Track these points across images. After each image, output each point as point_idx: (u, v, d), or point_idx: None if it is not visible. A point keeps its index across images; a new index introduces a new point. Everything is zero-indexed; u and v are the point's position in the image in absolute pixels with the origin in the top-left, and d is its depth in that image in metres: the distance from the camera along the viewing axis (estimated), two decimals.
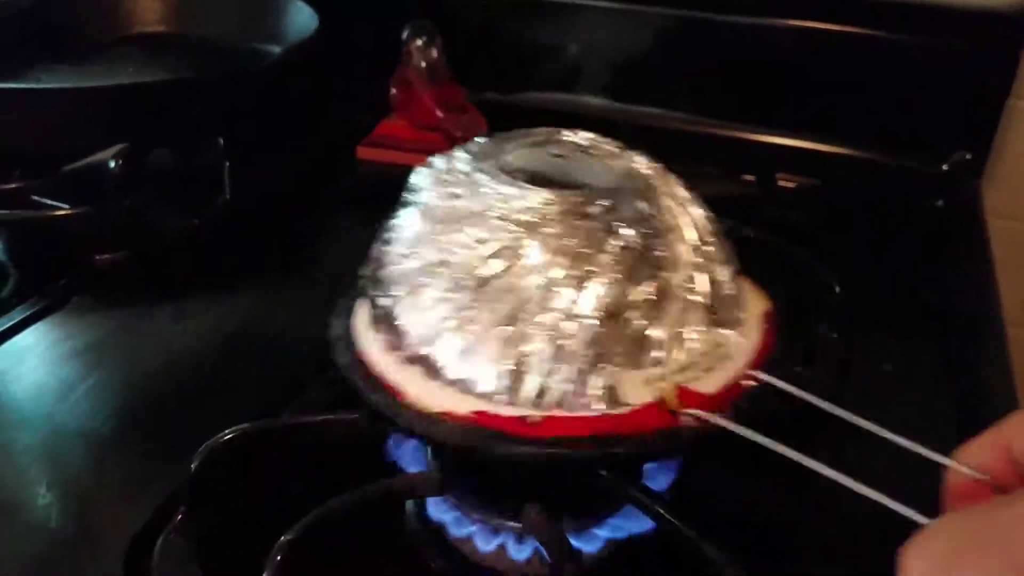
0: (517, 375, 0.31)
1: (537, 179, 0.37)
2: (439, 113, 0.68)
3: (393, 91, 0.70)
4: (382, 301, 0.35)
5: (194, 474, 0.34)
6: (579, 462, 0.31)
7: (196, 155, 0.62)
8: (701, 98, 0.71)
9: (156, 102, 0.59)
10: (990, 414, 0.43)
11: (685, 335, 0.33)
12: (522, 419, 0.31)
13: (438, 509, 0.34)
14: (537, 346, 0.31)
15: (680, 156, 0.67)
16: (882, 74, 0.65)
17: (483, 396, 0.32)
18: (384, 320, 0.35)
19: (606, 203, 0.34)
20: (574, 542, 0.33)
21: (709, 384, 0.33)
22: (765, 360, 0.35)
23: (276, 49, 0.73)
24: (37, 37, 0.74)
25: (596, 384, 0.32)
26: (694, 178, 0.64)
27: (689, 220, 0.37)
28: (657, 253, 0.34)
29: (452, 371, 0.32)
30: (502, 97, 0.74)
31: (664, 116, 0.71)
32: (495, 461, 0.31)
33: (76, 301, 0.50)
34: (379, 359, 0.34)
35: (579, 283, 0.32)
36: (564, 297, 0.32)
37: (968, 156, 0.65)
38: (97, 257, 0.53)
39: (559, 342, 0.31)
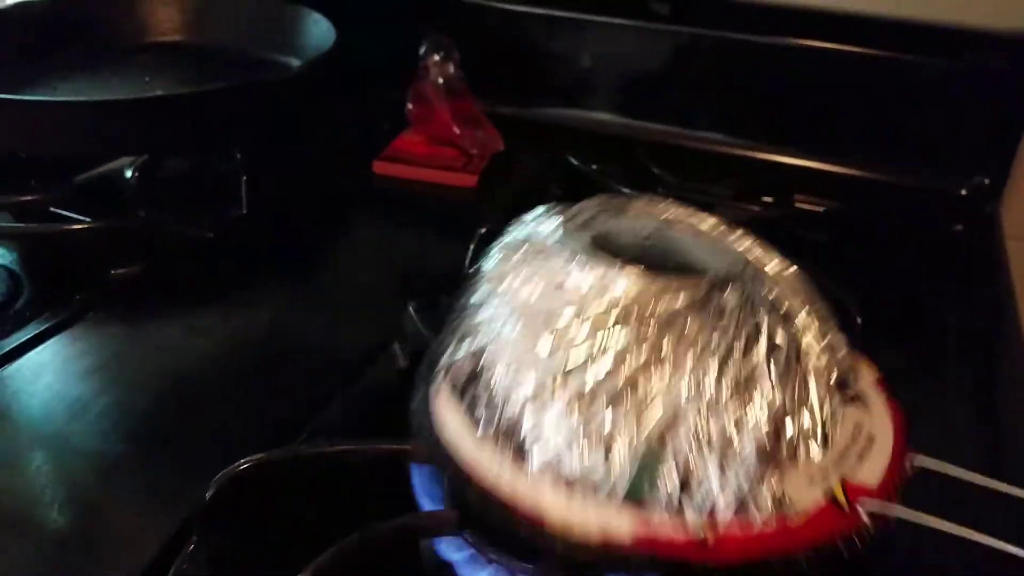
0: (683, 486, 0.29)
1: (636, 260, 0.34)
2: (455, 128, 0.68)
3: (409, 106, 0.70)
4: (489, 413, 0.32)
5: (208, 503, 0.33)
6: None
7: (212, 167, 0.62)
8: (718, 117, 0.70)
9: (173, 114, 0.58)
10: (1012, 439, 0.43)
11: (831, 421, 0.32)
12: (699, 541, 0.28)
13: (451, 548, 0.34)
14: (704, 459, 0.29)
15: (697, 176, 0.68)
16: (901, 96, 0.65)
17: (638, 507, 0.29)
18: (500, 434, 0.32)
19: (739, 292, 0.32)
20: None
21: (869, 473, 0.31)
22: (908, 434, 0.34)
23: (293, 61, 0.73)
24: (52, 45, 0.73)
25: (765, 494, 0.29)
26: (711, 198, 0.65)
27: (800, 295, 0.35)
28: (793, 341, 0.32)
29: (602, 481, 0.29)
30: (518, 112, 0.74)
31: (681, 135, 0.71)
32: None
33: (91, 316, 0.49)
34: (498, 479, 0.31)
35: (740, 390, 0.30)
36: (728, 406, 0.30)
37: (987, 180, 0.64)
38: (113, 271, 0.53)
39: (728, 452, 0.29)
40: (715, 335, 0.31)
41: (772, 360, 0.31)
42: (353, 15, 0.71)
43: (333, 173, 0.69)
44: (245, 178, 0.59)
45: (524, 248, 0.35)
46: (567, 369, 0.31)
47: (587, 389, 0.30)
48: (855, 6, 0.63)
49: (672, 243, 0.38)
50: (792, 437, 0.30)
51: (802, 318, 0.33)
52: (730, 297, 0.32)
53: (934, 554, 0.34)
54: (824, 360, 0.32)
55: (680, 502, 0.29)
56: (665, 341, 0.30)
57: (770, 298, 0.33)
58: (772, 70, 0.67)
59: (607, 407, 0.30)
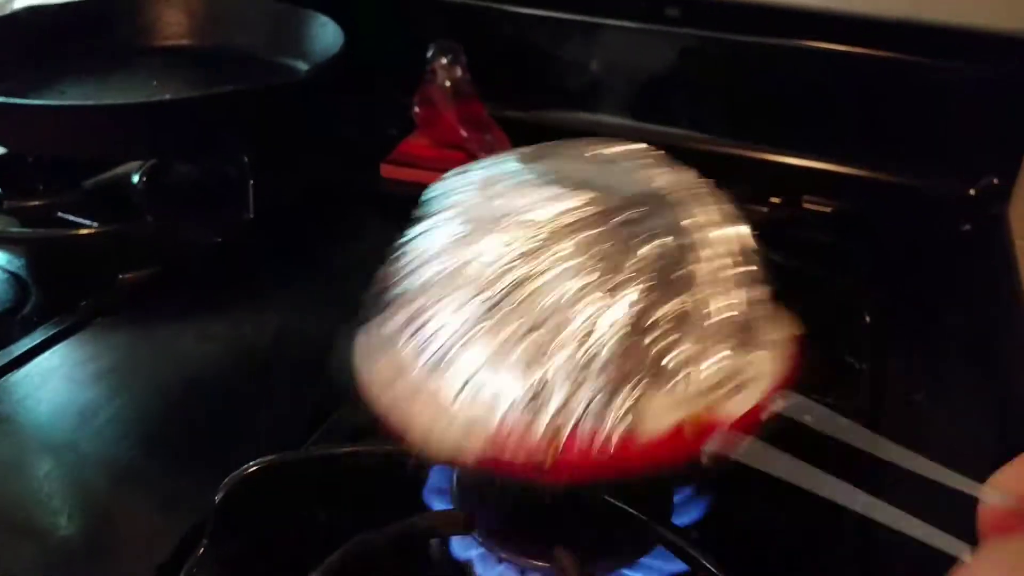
0: (542, 388, 0.29)
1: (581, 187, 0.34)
2: (463, 132, 0.68)
3: (417, 109, 0.70)
4: (389, 321, 0.33)
5: (218, 506, 0.33)
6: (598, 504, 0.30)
7: (220, 171, 0.63)
8: (726, 119, 0.70)
9: (181, 119, 0.58)
10: (1020, 439, 0.43)
11: (711, 354, 0.31)
12: (537, 464, 0.29)
13: (463, 547, 0.34)
14: (565, 355, 0.29)
15: (705, 177, 0.67)
16: (909, 97, 0.65)
17: (500, 412, 0.29)
18: (389, 343, 0.32)
19: (643, 209, 0.32)
20: None
21: (734, 407, 0.31)
22: (791, 383, 0.33)
23: (300, 64, 0.73)
24: (61, 49, 0.74)
25: (620, 404, 0.29)
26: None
27: (726, 237, 0.35)
28: (690, 267, 0.32)
29: (469, 389, 0.30)
30: (525, 115, 0.74)
31: (688, 137, 0.71)
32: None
33: (99, 321, 0.49)
34: (382, 392, 0.32)
35: (611, 291, 0.30)
36: (595, 304, 0.29)
37: (995, 180, 0.64)
38: (120, 276, 0.53)
39: (588, 351, 0.29)
40: (609, 244, 0.30)
41: (654, 271, 0.30)
42: (360, 18, 0.71)
43: (340, 176, 0.69)
44: (252, 182, 0.59)
45: (463, 182, 0.36)
46: (466, 266, 0.31)
47: (483, 289, 0.30)
48: (863, 8, 0.62)
49: (612, 174, 0.37)
50: (660, 354, 0.30)
51: (715, 252, 0.33)
52: (635, 212, 0.32)
53: None
54: (719, 292, 0.32)
55: (540, 400, 0.29)
56: (562, 244, 0.30)
57: (685, 224, 0.33)
58: (780, 72, 0.67)
59: (493, 307, 0.30)
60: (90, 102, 0.64)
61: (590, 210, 0.31)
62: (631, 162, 0.38)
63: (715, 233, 0.34)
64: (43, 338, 0.47)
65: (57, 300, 0.51)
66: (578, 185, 0.33)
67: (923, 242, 0.62)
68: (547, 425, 0.29)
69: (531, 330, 0.29)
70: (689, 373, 0.30)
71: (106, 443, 0.40)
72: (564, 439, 0.29)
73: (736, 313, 0.33)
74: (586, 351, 0.29)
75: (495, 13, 0.73)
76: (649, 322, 0.30)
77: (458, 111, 0.68)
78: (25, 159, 0.62)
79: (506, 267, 0.30)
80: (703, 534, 0.35)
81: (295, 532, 0.34)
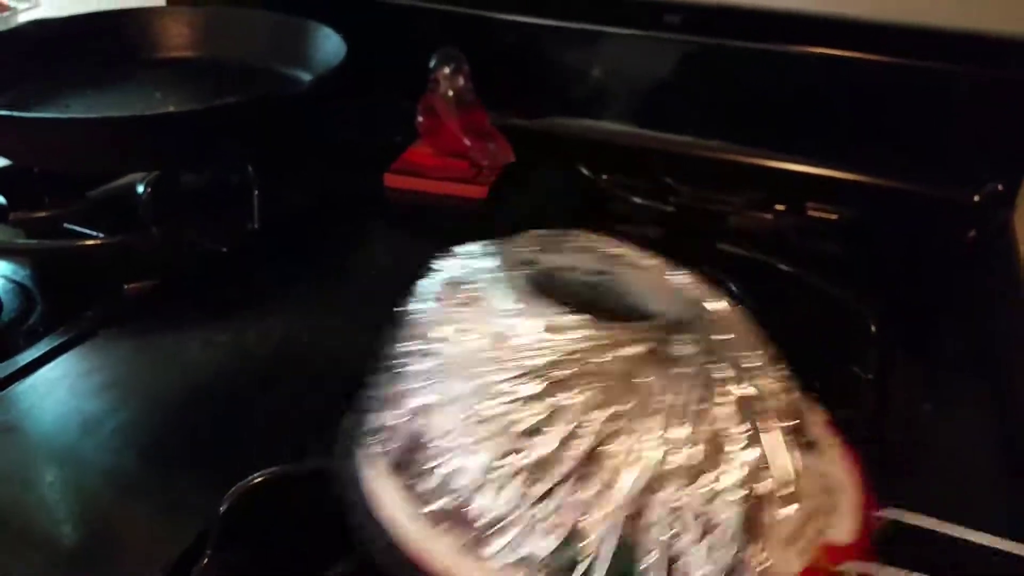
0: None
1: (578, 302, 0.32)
2: (466, 140, 0.68)
3: (420, 118, 0.70)
4: (432, 491, 0.29)
5: (223, 516, 0.33)
6: None
7: (225, 181, 0.63)
8: (730, 126, 0.70)
9: (185, 130, 0.59)
10: None
11: (798, 475, 0.30)
12: None
13: None
14: (686, 538, 0.27)
15: (709, 185, 0.67)
16: (914, 104, 0.65)
17: None
18: (449, 517, 0.29)
19: (694, 340, 0.30)
20: None
21: (841, 530, 0.30)
22: (870, 485, 0.33)
23: (303, 74, 0.73)
24: (65, 61, 0.74)
25: (751, 566, 0.27)
26: (723, 207, 0.64)
27: (749, 338, 0.33)
28: (753, 392, 0.30)
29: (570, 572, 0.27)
30: (529, 123, 0.74)
31: (692, 144, 0.71)
32: None
33: (104, 332, 0.49)
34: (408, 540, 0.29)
35: (711, 453, 0.28)
36: (701, 473, 0.27)
37: (1000, 187, 0.64)
38: (126, 286, 0.53)
39: (710, 525, 0.27)
40: (674, 390, 0.28)
41: (738, 415, 0.29)
42: (363, 28, 0.71)
43: (344, 186, 0.69)
44: (257, 192, 0.59)
45: (458, 291, 0.33)
46: (519, 440, 0.28)
47: (544, 462, 0.27)
48: (867, 13, 0.62)
49: (616, 284, 0.36)
50: (766, 497, 0.28)
51: (755, 364, 0.31)
52: (686, 346, 0.30)
53: None
54: (782, 407, 0.31)
55: None
56: (623, 399, 0.28)
57: (723, 344, 0.31)
58: (784, 79, 0.67)
59: (570, 483, 0.27)
60: (94, 115, 0.64)
61: (632, 350, 0.29)
62: (631, 269, 0.36)
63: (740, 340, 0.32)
64: (49, 348, 0.47)
65: (63, 310, 0.51)
66: (584, 303, 0.31)
67: (928, 249, 0.62)
68: None
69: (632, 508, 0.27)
70: (788, 507, 0.29)
71: (111, 453, 0.40)
72: None
73: (797, 421, 0.31)
74: (708, 526, 0.27)
75: (497, 22, 0.73)
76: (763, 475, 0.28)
77: (461, 120, 0.68)
78: (31, 171, 0.63)
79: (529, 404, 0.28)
80: None
81: (299, 543, 0.34)
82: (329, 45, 0.71)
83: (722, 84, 0.69)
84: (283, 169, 0.64)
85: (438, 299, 0.33)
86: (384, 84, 0.77)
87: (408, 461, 0.30)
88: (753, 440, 0.28)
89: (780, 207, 0.65)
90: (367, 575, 0.30)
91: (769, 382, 0.31)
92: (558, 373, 0.28)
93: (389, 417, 0.32)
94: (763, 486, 0.28)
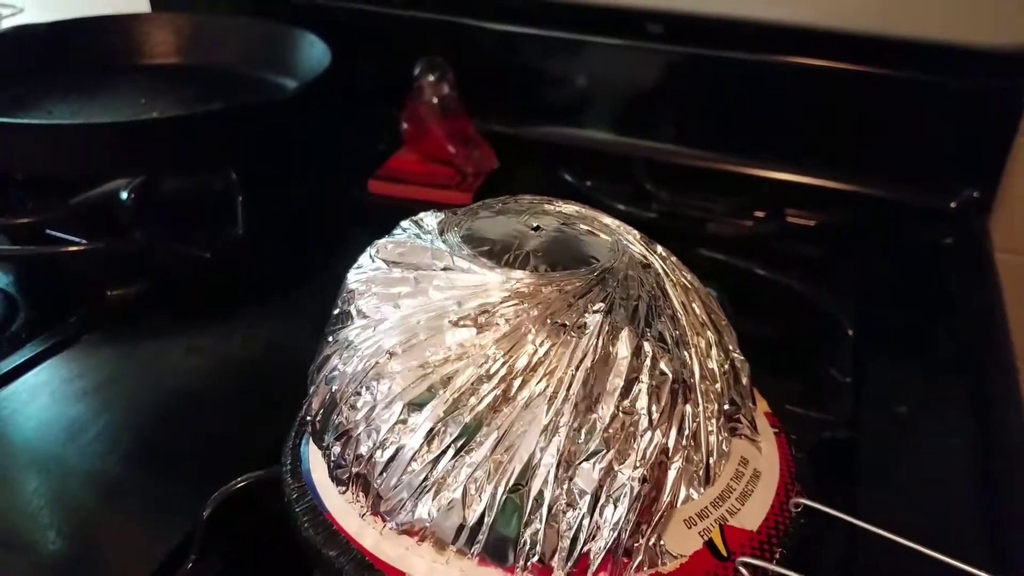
0: (550, 536, 0.27)
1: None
2: (450, 147, 0.68)
3: (404, 125, 0.71)
4: (345, 457, 0.30)
5: (206, 521, 0.34)
6: None
7: (209, 187, 0.63)
8: (710, 134, 0.71)
9: (169, 137, 0.59)
10: (1002, 451, 0.44)
11: (716, 457, 0.30)
12: None
13: None
14: (573, 507, 0.27)
15: (690, 191, 0.68)
16: (891, 112, 0.66)
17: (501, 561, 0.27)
18: (358, 482, 0.30)
19: (623, 297, 0.30)
20: None
21: (751, 516, 0.30)
22: (794, 475, 0.33)
23: (288, 82, 0.73)
24: (49, 67, 0.74)
25: (640, 542, 0.28)
26: (704, 213, 0.65)
27: (698, 307, 0.33)
28: (683, 365, 0.30)
29: (458, 537, 0.28)
30: (513, 130, 0.74)
31: (674, 151, 0.71)
32: None
33: (87, 337, 0.49)
34: (360, 530, 0.29)
35: (617, 425, 0.28)
36: (599, 443, 0.28)
37: (976, 194, 0.65)
38: (109, 292, 0.53)
39: (604, 499, 0.27)
40: (587, 348, 0.29)
41: (655, 390, 0.29)
42: (348, 35, 0.71)
43: (329, 192, 0.69)
44: (241, 198, 0.59)
45: (393, 254, 0.34)
46: (413, 399, 0.29)
47: (437, 424, 0.28)
48: (844, 24, 0.63)
49: (564, 240, 0.35)
50: (673, 478, 0.28)
51: (696, 336, 0.31)
52: (614, 301, 0.30)
53: None
54: (716, 388, 0.31)
55: (545, 552, 0.27)
56: (530, 357, 0.29)
57: (661, 307, 0.31)
58: (764, 87, 0.68)
59: (460, 446, 0.28)
60: (77, 121, 0.64)
61: (549, 304, 0.30)
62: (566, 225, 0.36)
63: (689, 307, 0.32)
64: (32, 355, 0.47)
65: (46, 317, 0.51)
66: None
67: (905, 256, 0.63)
68: (565, 560, 0.27)
69: (507, 450, 0.28)
70: (692, 483, 0.29)
71: (94, 458, 0.41)
72: (596, 567, 0.27)
73: (727, 398, 0.31)
74: (601, 490, 0.27)
75: (482, 31, 0.74)
76: (669, 442, 0.28)
77: (445, 127, 0.69)
78: (13, 177, 0.63)
79: (474, 389, 0.28)
80: None
81: (283, 547, 0.34)
82: (314, 52, 0.71)
83: (703, 92, 0.70)
84: (268, 175, 0.64)
85: (373, 264, 0.35)
86: (369, 91, 0.77)
87: (323, 427, 0.32)
88: (667, 417, 0.29)
89: (760, 213, 0.66)
90: None
91: (704, 359, 0.31)
92: (465, 325, 0.30)
93: (312, 385, 0.34)
94: (666, 468, 0.28)
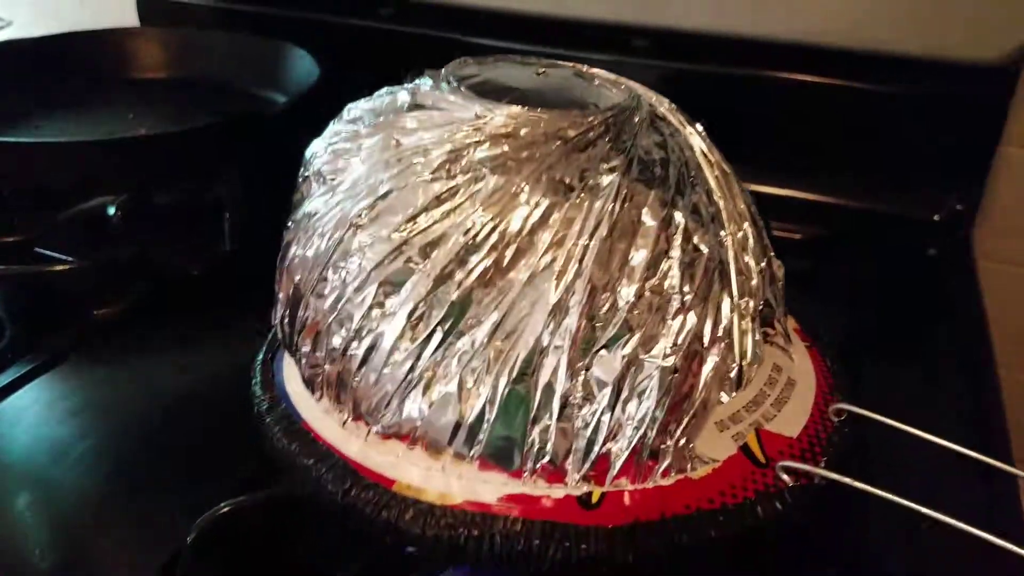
0: (563, 434, 0.23)
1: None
2: None
3: None
4: (317, 356, 0.27)
5: (191, 545, 0.34)
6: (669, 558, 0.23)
7: (198, 202, 0.63)
8: None
9: (156, 153, 0.59)
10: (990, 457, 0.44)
11: (750, 358, 0.26)
12: (579, 501, 0.23)
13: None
14: (591, 398, 0.23)
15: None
16: (876, 126, 0.66)
17: (502, 466, 0.23)
18: (334, 383, 0.26)
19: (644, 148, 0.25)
20: None
21: (788, 422, 0.27)
22: (833, 385, 0.30)
23: (277, 96, 0.73)
24: (37, 82, 0.74)
25: (667, 442, 0.24)
26: None
27: (733, 190, 0.29)
28: (719, 248, 0.26)
29: (454, 438, 0.24)
30: None
31: None
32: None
33: (74, 357, 0.49)
34: (343, 439, 0.26)
35: (644, 304, 0.23)
36: (623, 324, 0.23)
37: (959, 206, 0.65)
38: (96, 311, 0.53)
39: (626, 393, 0.23)
40: (601, 213, 0.24)
41: (688, 267, 0.24)
42: (336, 49, 0.72)
43: None
44: (229, 214, 0.59)
45: (358, 108, 0.30)
46: (388, 276, 0.24)
47: (419, 304, 0.23)
48: (829, 40, 0.64)
49: (562, 84, 0.31)
50: (708, 372, 0.24)
51: (733, 224, 0.27)
52: (633, 157, 0.25)
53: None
54: (752, 284, 0.27)
55: (557, 453, 0.23)
56: (518, 220, 0.23)
57: (695, 178, 0.27)
58: (747, 101, 0.68)
59: (447, 328, 0.23)
60: (63, 139, 0.64)
61: (555, 144, 0.25)
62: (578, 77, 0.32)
63: (711, 181, 0.28)
64: (17, 375, 0.47)
65: (32, 336, 0.51)
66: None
67: (890, 267, 0.63)
68: (581, 460, 0.23)
69: (509, 336, 0.23)
70: (724, 383, 0.25)
71: (81, 479, 0.41)
72: (610, 472, 0.23)
73: (760, 295, 0.27)
74: (616, 383, 0.23)
75: (471, 46, 0.74)
76: (695, 334, 0.24)
77: None
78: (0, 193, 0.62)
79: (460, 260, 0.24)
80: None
81: (269, 572, 0.34)
82: (302, 67, 0.71)
83: (687, 106, 0.70)
84: (256, 191, 0.64)
85: (335, 126, 0.31)
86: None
87: (291, 328, 0.28)
88: (702, 300, 0.24)
89: None
90: None
91: (740, 251, 0.27)
92: (438, 179, 0.24)
93: (276, 284, 0.29)
94: (702, 359, 0.24)
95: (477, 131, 0.25)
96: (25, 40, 0.76)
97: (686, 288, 0.24)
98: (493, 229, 0.24)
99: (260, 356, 0.32)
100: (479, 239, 0.24)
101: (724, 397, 0.25)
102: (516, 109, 0.26)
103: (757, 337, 0.26)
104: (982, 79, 0.62)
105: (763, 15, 0.63)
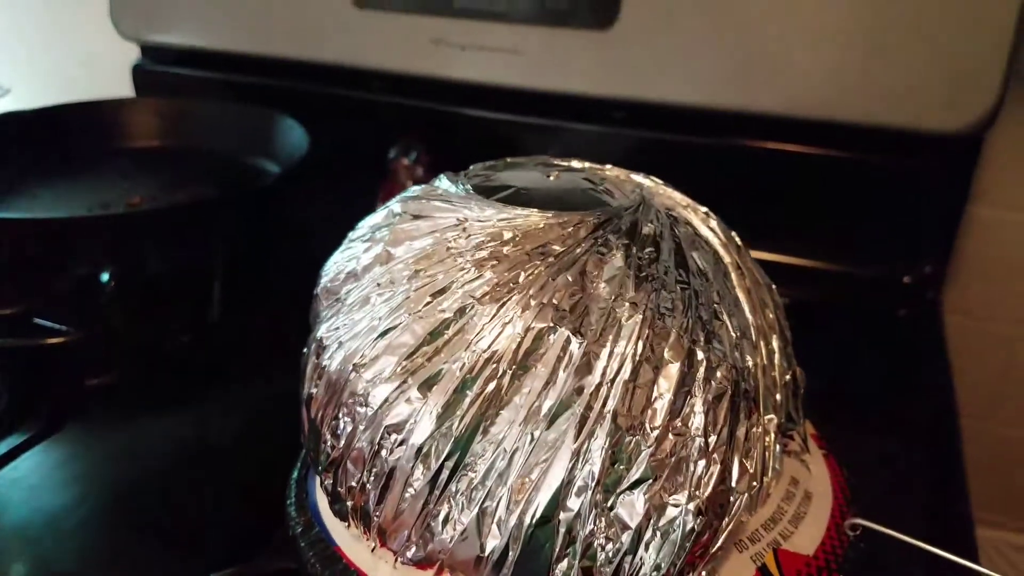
0: (581, 573, 0.23)
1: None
2: None
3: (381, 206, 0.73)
4: (339, 490, 0.27)
5: None
6: None
7: (189, 269, 0.64)
8: None
9: (148, 228, 0.61)
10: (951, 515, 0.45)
11: (770, 475, 0.26)
12: None
13: None
14: (614, 535, 0.23)
15: None
16: (848, 193, 0.69)
17: None
18: (359, 514, 0.27)
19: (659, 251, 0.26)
20: None
21: (805, 539, 0.27)
22: (849, 498, 0.30)
23: (268, 164, 0.76)
24: (35, 151, 0.76)
25: (689, 572, 0.24)
26: None
27: (771, 307, 0.29)
28: (742, 360, 0.25)
29: (478, 570, 0.24)
30: None
31: None
32: None
33: (68, 427, 0.50)
34: (373, 565, 0.26)
35: (664, 434, 0.23)
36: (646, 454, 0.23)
37: (928, 269, 0.68)
38: (88, 381, 0.54)
39: (646, 525, 0.23)
40: (624, 354, 0.24)
41: (713, 405, 0.24)
42: (326, 119, 0.74)
43: (306, 274, 0.71)
44: (219, 284, 0.61)
45: (392, 219, 0.31)
46: (391, 419, 0.24)
47: (426, 441, 0.24)
48: (801, 112, 0.66)
49: (579, 186, 0.31)
50: (727, 497, 0.24)
51: (761, 339, 0.27)
52: (641, 265, 0.25)
53: None
54: (776, 399, 0.27)
55: None
56: (524, 339, 0.23)
57: (699, 273, 0.26)
58: (722, 170, 0.71)
59: (457, 462, 0.24)
60: (49, 215, 0.66)
61: (567, 245, 0.25)
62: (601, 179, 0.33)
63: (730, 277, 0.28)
64: (12, 447, 0.48)
65: (26, 407, 0.52)
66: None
67: (861, 329, 0.65)
68: None
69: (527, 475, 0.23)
70: (742, 502, 0.25)
71: (74, 552, 0.41)
72: None
73: (779, 404, 0.27)
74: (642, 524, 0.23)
75: (458, 116, 0.76)
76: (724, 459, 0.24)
77: None
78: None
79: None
80: None
81: None
82: (293, 136, 0.74)
83: (664, 175, 0.73)
84: (246, 260, 0.66)
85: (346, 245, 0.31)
86: (346, 173, 0.79)
87: (315, 457, 0.28)
88: (722, 446, 0.24)
89: None
90: None
91: (756, 356, 0.26)
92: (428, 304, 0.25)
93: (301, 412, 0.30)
94: (728, 498, 0.24)
95: (460, 256, 0.26)
96: (23, 112, 0.78)
97: (710, 429, 0.24)
98: (488, 361, 0.24)
99: (295, 474, 0.33)
100: (475, 371, 0.24)
101: (744, 517, 0.25)
102: (509, 212, 0.27)
103: (778, 452, 0.26)
104: (946, 148, 0.65)
105: (737, 88, 0.66)
